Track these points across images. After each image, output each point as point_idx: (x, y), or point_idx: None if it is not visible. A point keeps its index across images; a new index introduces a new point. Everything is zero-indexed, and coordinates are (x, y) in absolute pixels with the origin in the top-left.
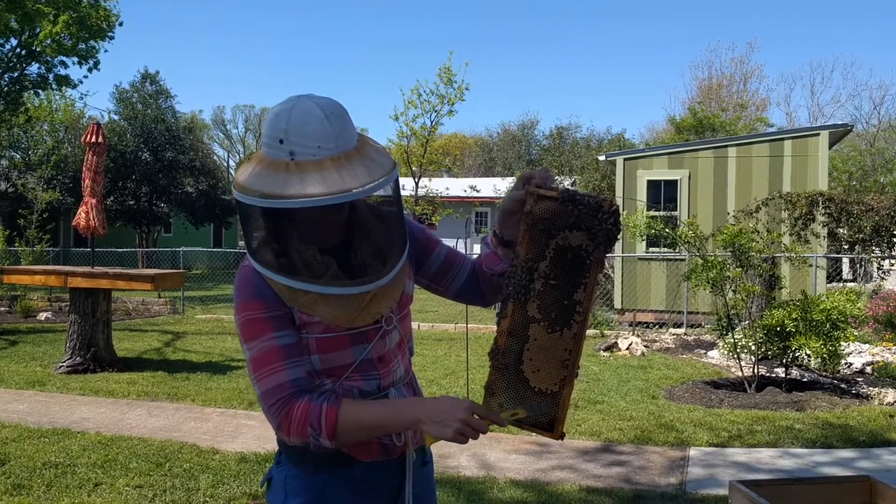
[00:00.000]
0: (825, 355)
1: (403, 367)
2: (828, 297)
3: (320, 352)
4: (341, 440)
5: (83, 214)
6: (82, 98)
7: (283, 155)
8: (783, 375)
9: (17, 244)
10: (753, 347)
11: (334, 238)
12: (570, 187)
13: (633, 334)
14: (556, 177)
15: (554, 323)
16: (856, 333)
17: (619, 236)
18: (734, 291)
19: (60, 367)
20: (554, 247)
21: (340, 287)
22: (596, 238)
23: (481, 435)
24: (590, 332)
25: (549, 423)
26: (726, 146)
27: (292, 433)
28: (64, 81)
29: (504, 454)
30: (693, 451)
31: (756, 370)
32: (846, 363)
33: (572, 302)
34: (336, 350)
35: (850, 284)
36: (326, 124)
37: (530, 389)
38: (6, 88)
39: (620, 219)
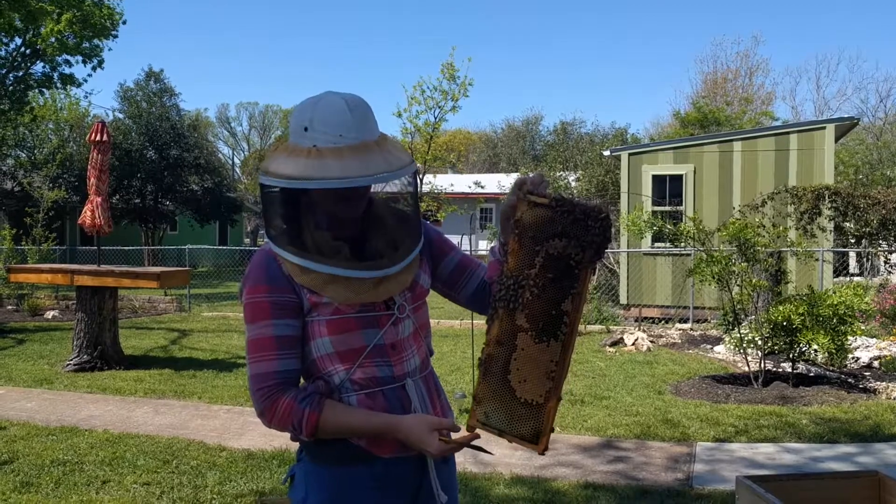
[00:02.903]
0: (832, 350)
1: (419, 358)
2: (836, 292)
3: (330, 333)
4: (319, 437)
5: (89, 213)
6: (87, 97)
7: (306, 142)
8: (790, 370)
9: (23, 243)
10: (760, 342)
11: (351, 227)
12: (562, 194)
13: (639, 330)
14: (561, 172)
15: (541, 333)
16: (863, 328)
17: (607, 246)
18: (740, 286)
19: (68, 365)
20: (543, 255)
21: (350, 270)
22: (584, 247)
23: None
24: (595, 327)
25: (532, 435)
26: (731, 140)
27: (273, 424)
28: (68, 80)
29: (509, 450)
30: (699, 447)
31: (762, 365)
32: (853, 358)
33: (560, 312)
34: (346, 332)
35: (857, 279)
36: (348, 115)
37: (516, 400)
38: (11, 88)
39: (611, 227)
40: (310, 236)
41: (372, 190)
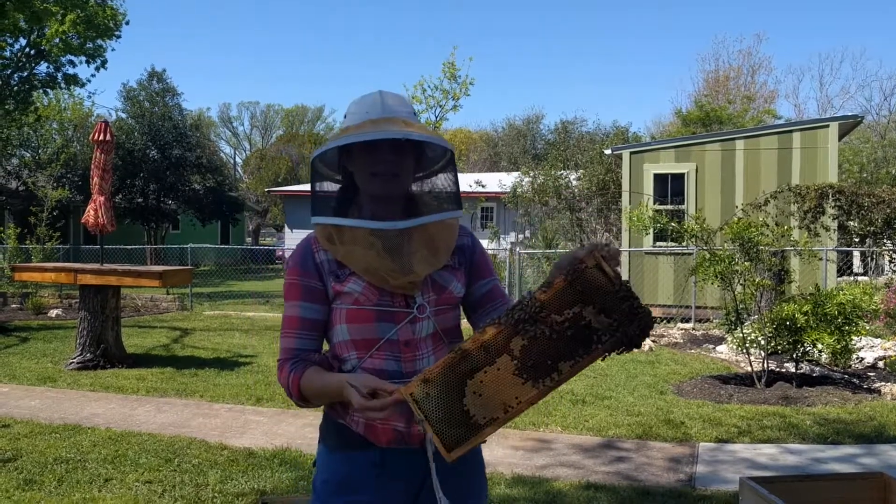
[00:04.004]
0: (836, 350)
1: (436, 360)
2: (844, 291)
3: (348, 321)
4: (311, 402)
5: (92, 212)
6: (90, 97)
7: (343, 124)
8: (793, 370)
9: (27, 242)
10: (763, 342)
11: (389, 209)
12: (628, 281)
13: None
14: (562, 171)
15: (524, 370)
16: (867, 327)
17: (633, 349)
18: (743, 285)
19: (71, 363)
20: (576, 311)
21: (369, 222)
22: (615, 334)
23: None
24: None
25: (452, 442)
26: (734, 139)
27: (282, 386)
28: (72, 80)
29: (511, 450)
30: (702, 447)
31: (765, 365)
32: (857, 358)
33: (555, 366)
34: (362, 322)
35: (861, 278)
36: (378, 98)
37: (460, 405)
38: (16, 88)
39: (646, 338)
40: (338, 199)
41: (414, 182)
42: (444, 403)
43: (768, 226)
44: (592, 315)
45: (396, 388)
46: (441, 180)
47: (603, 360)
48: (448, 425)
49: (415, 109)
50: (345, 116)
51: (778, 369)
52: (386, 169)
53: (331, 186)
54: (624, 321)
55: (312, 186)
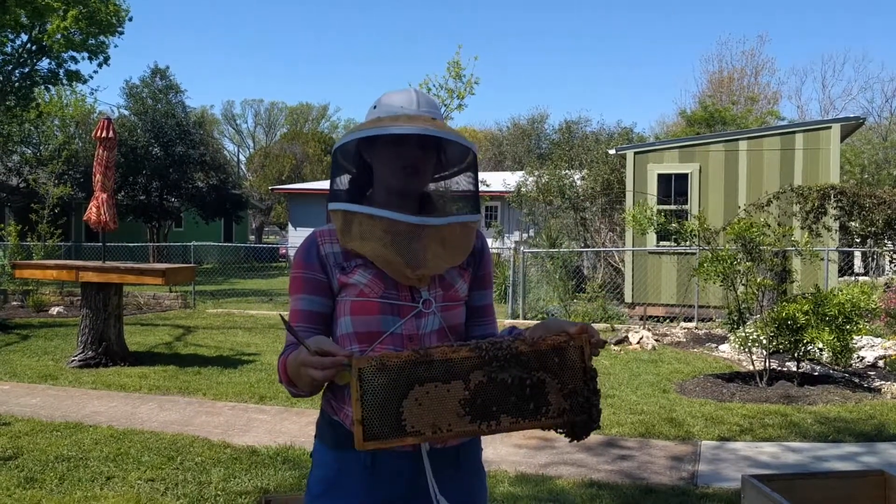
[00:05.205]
0: (837, 349)
1: None
2: (843, 291)
3: (352, 313)
4: (297, 385)
5: (94, 209)
6: (93, 93)
7: (371, 115)
8: (794, 369)
9: (29, 239)
10: (765, 341)
11: (407, 203)
12: (595, 381)
13: (644, 328)
14: (566, 171)
15: (470, 404)
16: (868, 327)
17: (568, 434)
18: (745, 285)
19: (72, 361)
20: (541, 377)
21: (388, 212)
22: (561, 416)
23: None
24: (600, 325)
25: (370, 433)
26: (737, 139)
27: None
28: (74, 77)
29: (514, 448)
30: (704, 445)
31: (767, 364)
32: (858, 357)
33: (497, 415)
34: (366, 314)
35: (862, 278)
36: (412, 95)
37: (397, 404)
38: (17, 84)
39: (589, 433)
40: (354, 192)
41: (433, 182)
42: (385, 395)
43: (770, 226)
44: (553, 389)
45: (347, 353)
46: (465, 183)
47: (543, 430)
48: (377, 417)
49: (441, 112)
50: (374, 107)
51: (779, 368)
52: (412, 164)
53: (349, 175)
54: (576, 410)
55: (333, 173)
